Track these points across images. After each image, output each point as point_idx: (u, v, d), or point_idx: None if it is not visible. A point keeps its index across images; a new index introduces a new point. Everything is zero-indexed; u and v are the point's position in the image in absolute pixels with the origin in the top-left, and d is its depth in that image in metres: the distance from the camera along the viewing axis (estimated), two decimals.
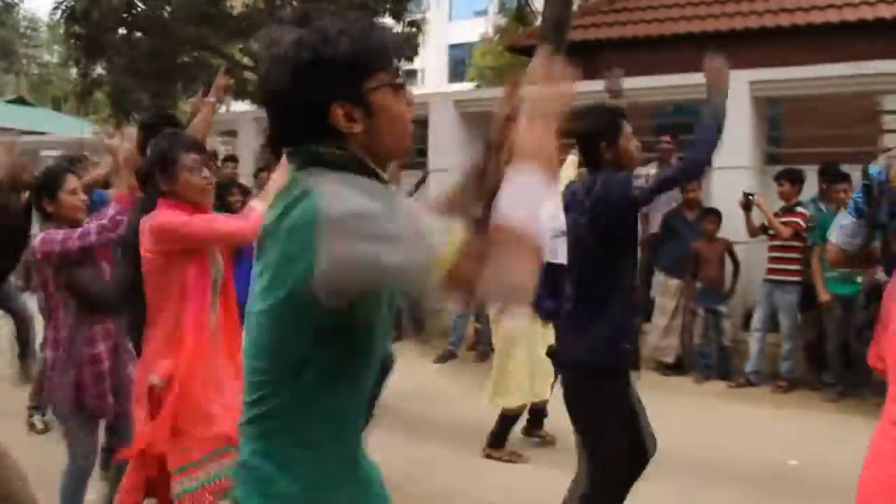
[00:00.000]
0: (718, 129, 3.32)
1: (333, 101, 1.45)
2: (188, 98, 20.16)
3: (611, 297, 3.18)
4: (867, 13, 9.87)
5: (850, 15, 9.95)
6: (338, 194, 1.36)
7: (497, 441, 5.17)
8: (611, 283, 3.19)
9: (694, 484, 4.70)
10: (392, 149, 1.53)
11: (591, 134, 3.26)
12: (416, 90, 39.44)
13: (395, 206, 1.35)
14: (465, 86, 30.31)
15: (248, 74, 17.34)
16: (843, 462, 5.01)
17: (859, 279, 6.67)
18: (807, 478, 4.91)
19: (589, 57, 10.61)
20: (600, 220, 3.16)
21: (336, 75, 1.43)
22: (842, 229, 3.14)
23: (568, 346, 3.36)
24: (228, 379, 2.95)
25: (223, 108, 19.57)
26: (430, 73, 39.44)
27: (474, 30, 34.58)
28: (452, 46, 40.05)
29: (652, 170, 3.54)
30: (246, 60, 17.00)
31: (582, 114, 3.29)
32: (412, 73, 38.34)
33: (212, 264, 2.96)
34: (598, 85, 8.67)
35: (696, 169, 3.44)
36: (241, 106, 19.28)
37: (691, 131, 9.48)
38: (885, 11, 9.78)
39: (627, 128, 3.28)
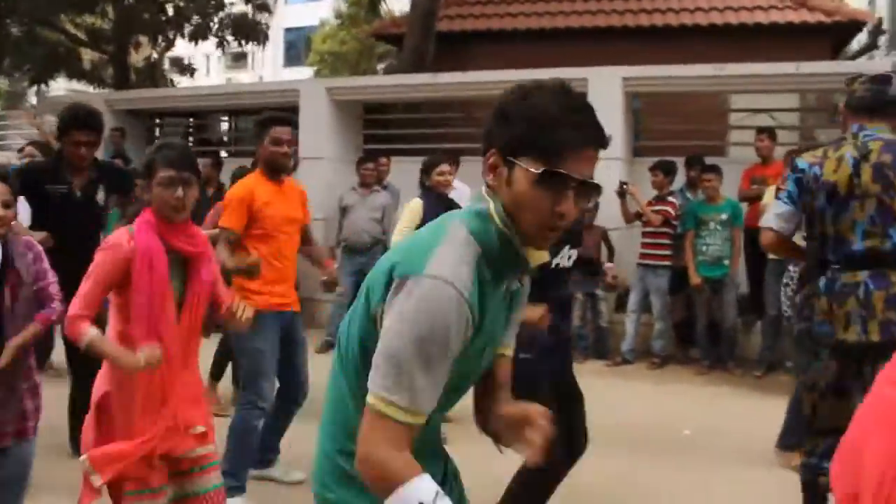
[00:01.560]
0: None
1: (494, 146, 1.55)
2: (18, 76, 18.65)
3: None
4: (716, 18, 10.68)
5: (705, 19, 10.71)
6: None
7: None
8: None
9: (594, 457, 4.95)
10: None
11: None
12: (244, 75, 38.49)
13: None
14: (304, 71, 29.76)
15: (85, 52, 16.28)
16: (730, 427, 5.54)
17: (726, 262, 7.27)
18: (703, 444, 5.30)
19: (457, 48, 10.79)
20: None
21: (507, 128, 1.52)
22: (779, 217, 3.47)
23: None
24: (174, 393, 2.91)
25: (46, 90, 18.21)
26: (263, 57, 38.42)
27: (312, 13, 34.02)
28: (288, 30, 39.30)
29: None
30: (81, 35, 15.93)
31: None
32: (242, 57, 37.29)
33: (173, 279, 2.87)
34: (466, 77, 8.98)
35: None
36: (77, 86, 18.07)
37: None
38: (731, 17, 10.62)
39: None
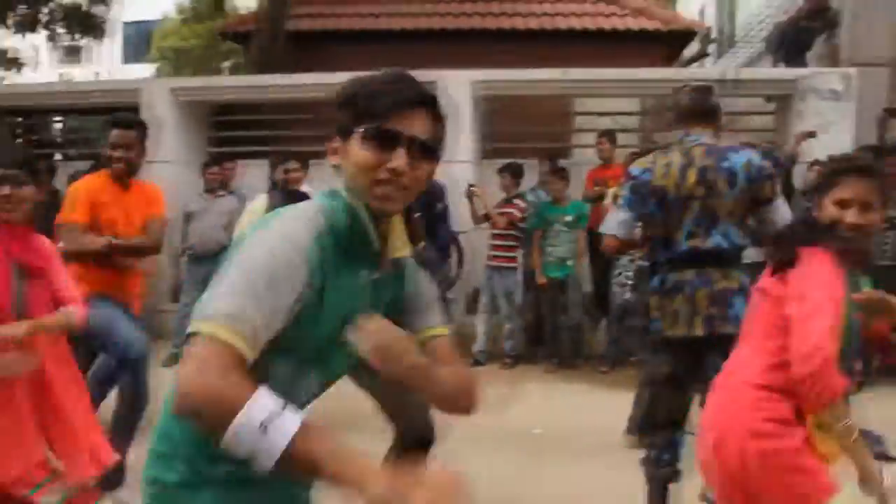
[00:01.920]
0: None
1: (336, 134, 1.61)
2: None
3: None
4: (561, 23, 11.00)
5: (551, 24, 11.00)
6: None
7: None
8: None
9: (454, 456, 4.99)
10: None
11: None
12: (79, 70, 36.40)
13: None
14: (145, 67, 28.53)
15: None
16: (580, 423, 5.71)
17: (570, 262, 7.51)
18: (554, 441, 5.43)
19: (308, 48, 10.60)
20: None
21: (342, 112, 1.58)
22: (619, 224, 3.63)
23: None
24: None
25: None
26: (101, 51, 36.50)
27: (153, 7, 32.61)
28: (128, 24, 37.51)
29: None
30: None
31: None
32: (76, 51, 35.38)
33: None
34: (318, 78, 8.84)
35: None
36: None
37: None
38: (574, 23, 10.97)
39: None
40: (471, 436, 5.39)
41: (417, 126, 1.54)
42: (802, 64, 8.79)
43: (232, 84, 9.70)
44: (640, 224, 3.63)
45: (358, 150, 1.53)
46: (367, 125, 1.51)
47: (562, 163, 8.17)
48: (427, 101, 1.57)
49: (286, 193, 5.16)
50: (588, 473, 4.78)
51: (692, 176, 3.42)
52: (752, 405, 2.25)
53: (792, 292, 2.24)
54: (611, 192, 7.00)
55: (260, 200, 5.17)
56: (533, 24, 10.96)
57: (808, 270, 2.23)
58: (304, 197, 5.39)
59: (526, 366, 7.77)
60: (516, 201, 7.71)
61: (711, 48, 15.43)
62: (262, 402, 1.27)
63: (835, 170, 2.39)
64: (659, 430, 3.59)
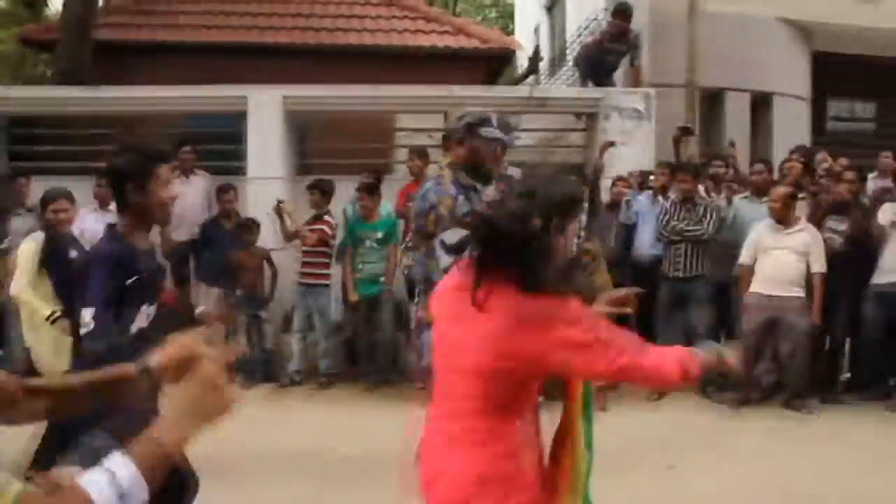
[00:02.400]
0: None
1: None
2: None
3: None
4: (381, 40, 11.02)
5: (370, 40, 11.00)
6: None
7: None
8: None
9: (256, 486, 4.84)
10: None
11: (115, 172, 3.02)
12: None
13: None
14: None
15: None
16: (392, 442, 5.63)
17: (382, 279, 7.48)
18: (359, 462, 5.34)
19: (116, 60, 10.13)
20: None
21: None
22: None
23: None
24: None
25: None
26: None
27: None
28: None
29: None
30: None
31: (118, 149, 3.11)
32: None
33: None
34: (125, 91, 8.46)
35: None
36: None
37: (212, 141, 9.51)
38: (395, 39, 11.02)
39: (164, 173, 3.03)
40: (271, 457, 5.30)
41: None
42: (610, 84, 9.17)
43: (32, 95, 9.10)
44: None
45: None
46: None
47: (385, 179, 8.13)
48: None
49: (50, 239, 4.83)
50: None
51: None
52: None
53: None
54: None
55: (28, 244, 4.83)
56: (354, 40, 10.92)
57: None
58: (73, 241, 5.07)
59: (343, 384, 7.66)
60: (327, 218, 7.61)
61: (542, 66, 15.89)
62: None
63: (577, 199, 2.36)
64: None
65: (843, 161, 7.72)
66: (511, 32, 24.25)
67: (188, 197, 8.11)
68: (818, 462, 5.31)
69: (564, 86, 10.90)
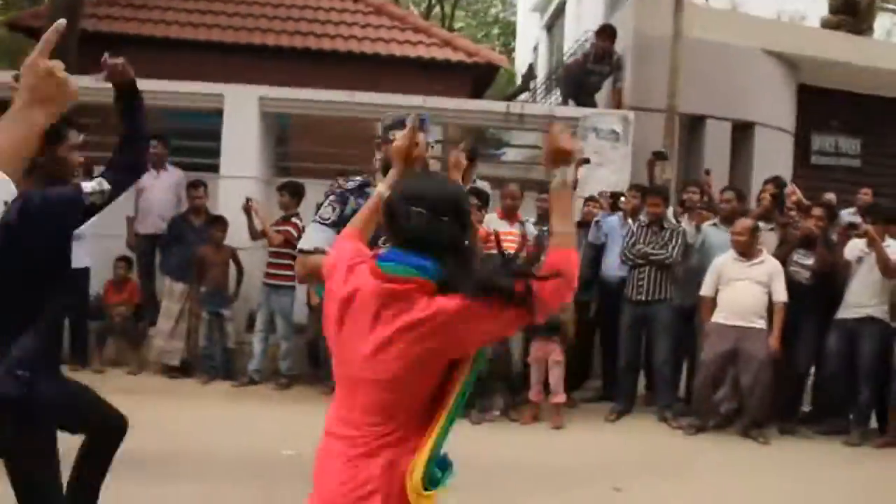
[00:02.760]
0: None
1: None
2: None
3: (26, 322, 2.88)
4: (367, 48, 11.02)
5: (354, 47, 11.00)
6: None
7: None
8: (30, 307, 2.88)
9: (206, 483, 4.78)
10: None
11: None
12: None
13: None
14: None
15: None
16: None
17: None
18: (301, 465, 5.26)
19: (102, 51, 10.09)
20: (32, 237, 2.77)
21: None
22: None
23: None
24: None
25: None
26: None
27: None
28: None
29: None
30: None
31: None
32: None
33: None
34: (105, 82, 8.41)
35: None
36: None
37: (195, 137, 9.47)
38: (381, 48, 11.03)
39: (73, 137, 3.10)
40: (225, 454, 5.24)
41: None
42: (592, 105, 9.16)
43: (6, 81, 9.02)
44: None
45: None
46: None
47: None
48: None
49: None
50: None
51: None
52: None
53: None
54: None
55: None
56: (341, 46, 10.92)
57: None
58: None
59: (303, 386, 7.60)
60: (294, 220, 7.57)
61: (536, 84, 15.91)
62: None
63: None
64: None
65: (830, 196, 7.75)
66: (512, 50, 24.37)
67: (156, 191, 8.10)
68: (769, 495, 5.26)
69: (556, 104, 10.87)
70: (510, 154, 13.78)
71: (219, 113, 8.36)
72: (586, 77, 9.15)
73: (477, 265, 2.04)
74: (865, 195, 8.46)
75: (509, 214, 7.12)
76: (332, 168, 8.30)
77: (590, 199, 7.88)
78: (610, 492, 5.09)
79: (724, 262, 6.69)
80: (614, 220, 7.59)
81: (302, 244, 3.23)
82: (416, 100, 8.27)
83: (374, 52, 10.78)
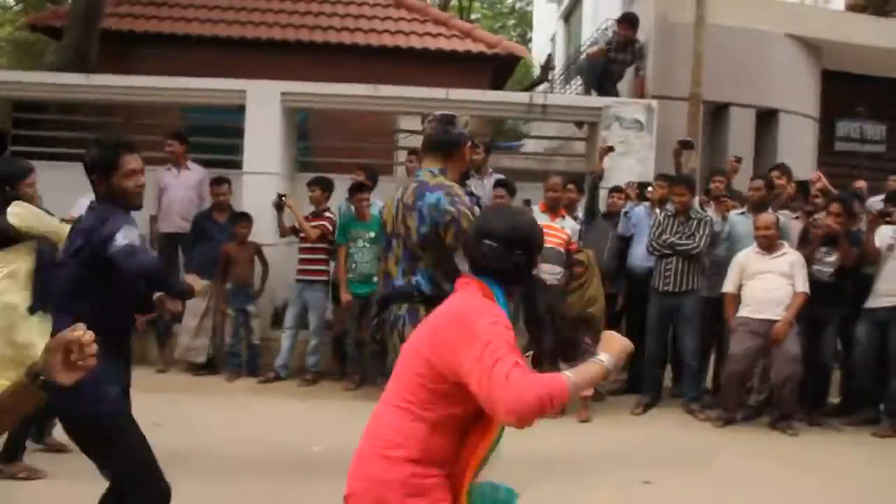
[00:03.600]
0: None
1: None
2: None
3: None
4: (387, 41, 11.00)
5: (374, 41, 10.99)
6: None
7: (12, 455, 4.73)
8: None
9: (232, 479, 4.81)
10: None
11: (87, 165, 3.08)
12: None
13: None
14: None
15: None
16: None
17: (375, 279, 7.40)
18: (332, 461, 5.27)
19: (121, 49, 10.17)
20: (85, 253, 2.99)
21: None
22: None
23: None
24: None
25: None
26: None
27: None
28: None
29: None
30: None
31: (91, 142, 3.20)
32: None
33: None
34: (125, 80, 8.47)
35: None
36: None
37: (218, 133, 9.54)
38: (401, 41, 11.00)
39: (129, 163, 3.06)
40: (243, 455, 5.26)
41: None
42: (614, 94, 9.10)
43: (36, 81, 9.08)
44: None
45: None
46: None
47: (384, 180, 8.10)
48: None
49: None
50: None
51: (400, 213, 3.37)
52: (402, 482, 2.15)
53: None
54: None
55: None
56: (360, 39, 10.90)
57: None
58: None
59: (329, 382, 7.63)
60: (328, 214, 7.58)
61: (554, 75, 15.83)
62: None
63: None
64: None
65: (861, 184, 7.66)
66: (529, 41, 24.24)
67: (177, 189, 8.14)
68: (798, 487, 5.21)
69: (577, 94, 10.80)
70: (529, 145, 13.75)
71: (241, 109, 8.38)
72: (608, 66, 9.09)
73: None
74: (894, 182, 8.34)
75: (552, 208, 6.96)
76: (353, 163, 8.31)
77: (615, 189, 7.83)
78: (639, 485, 5.06)
79: (747, 257, 6.63)
80: (641, 210, 7.54)
81: None
82: (439, 92, 8.25)
83: (395, 45, 10.75)
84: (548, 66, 15.83)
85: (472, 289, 2.27)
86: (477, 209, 3.36)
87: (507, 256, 2.25)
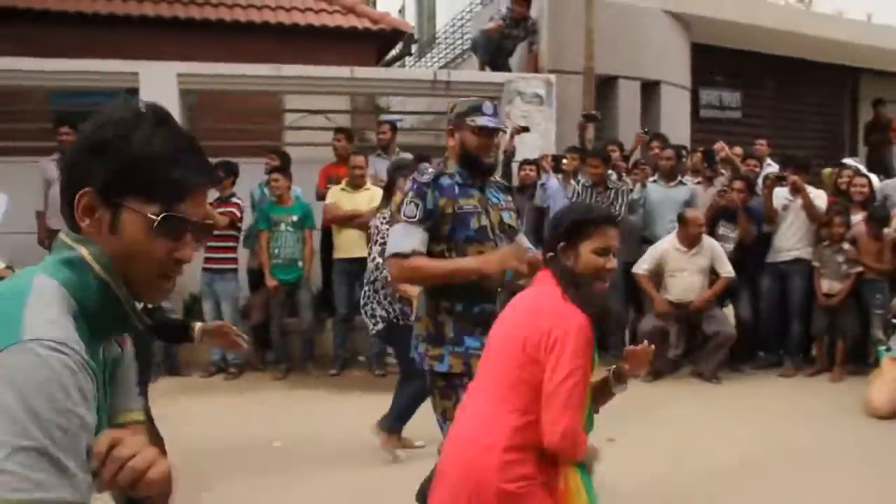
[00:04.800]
0: None
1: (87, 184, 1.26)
2: None
3: None
4: (269, 17, 10.61)
5: (256, 17, 10.56)
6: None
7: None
8: None
9: (204, 483, 4.60)
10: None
11: None
12: None
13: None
14: None
15: None
16: (318, 431, 5.50)
17: (300, 263, 7.23)
18: (296, 454, 5.17)
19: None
20: None
21: (108, 164, 1.26)
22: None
23: None
24: None
25: None
26: None
27: None
28: None
29: None
30: None
31: None
32: None
33: None
34: (5, 63, 7.71)
35: None
36: None
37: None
38: (283, 17, 10.65)
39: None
40: (208, 452, 5.03)
41: (204, 207, 1.35)
42: (506, 68, 9.29)
43: None
44: None
45: (142, 235, 1.27)
46: (161, 209, 1.27)
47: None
48: (217, 181, 1.35)
49: None
50: (339, 482, 4.61)
51: None
52: (500, 467, 2.23)
53: (544, 354, 2.27)
54: (333, 189, 7.04)
55: None
56: (240, 15, 10.47)
57: (564, 336, 2.27)
58: None
59: (253, 373, 7.39)
60: (235, 200, 7.28)
61: (414, 49, 15.83)
62: None
63: (588, 220, 2.44)
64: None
65: (738, 149, 8.27)
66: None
67: None
68: (741, 429, 5.65)
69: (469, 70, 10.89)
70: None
71: (130, 92, 7.86)
72: (502, 41, 9.27)
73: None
74: (761, 146, 9.06)
75: None
76: (239, 146, 8.00)
77: (525, 162, 8.03)
78: (605, 443, 5.29)
79: (667, 253, 7.06)
80: (555, 182, 7.79)
81: (398, 248, 3.10)
82: (343, 71, 8.12)
83: (278, 22, 10.41)
84: (411, 39, 15.81)
85: (551, 282, 2.42)
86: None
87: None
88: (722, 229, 7.29)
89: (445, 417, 3.04)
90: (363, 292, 5.32)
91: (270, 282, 7.20)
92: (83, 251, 1.26)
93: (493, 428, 2.28)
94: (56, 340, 1.12)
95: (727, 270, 6.98)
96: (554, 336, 2.25)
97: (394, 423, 4.95)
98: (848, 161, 9.08)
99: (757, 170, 7.95)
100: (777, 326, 7.34)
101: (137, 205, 1.26)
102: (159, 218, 1.26)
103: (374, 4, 23.83)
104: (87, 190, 1.25)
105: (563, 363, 2.22)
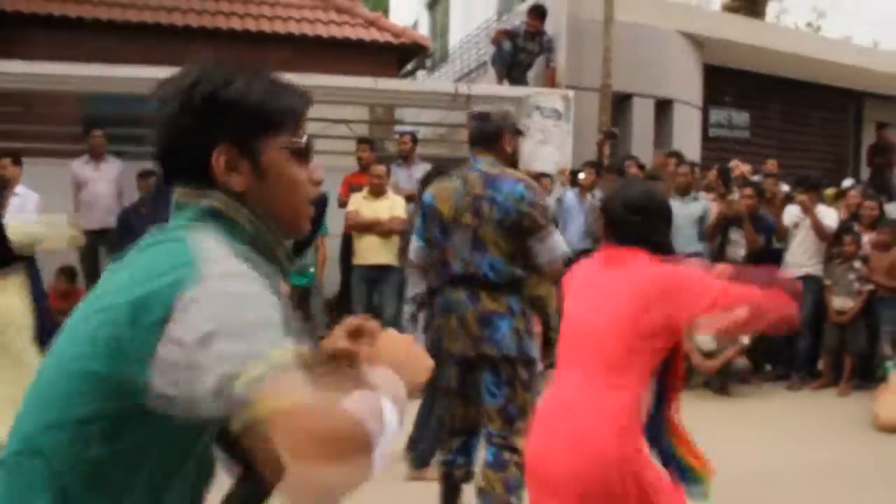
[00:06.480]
0: None
1: (218, 142, 1.28)
2: None
3: None
4: (293, 29, 10.84)
5: (280, 28, 10.85)
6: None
7: None
8: None
9: None
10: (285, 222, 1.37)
11: None
12: None
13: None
14: None
15: None
16: None
17: (312, 269, 7.41)
18: None
19: (14, 33, 9.47)
20: None
21: (230, 118, 1.28)
22: (414, 251, 3.74)
23: None
24: None
25: None
26: None
27: None
28: None
29: None
30: None
31: None
32: None
33: None
34: (28, 67, 7.92)
35: None
36: None
37: (122, 123, 9.19)
38: (307, 29, 10.89)
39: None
40: None
41: (304, 129, 1.39)
42: (523, 82, 9.50)
43: None
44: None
45: (287, 166, 1.32)
46: (291, 138, 1.32)
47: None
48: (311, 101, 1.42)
49: None
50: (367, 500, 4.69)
51: (466, 203, 3.52)
52: (619, 434, 2.38)
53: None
54: (355, 196, 7.23)
55: None
56: (266, 27, 10.70)
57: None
58: None
59: None
60: None
61: (427, 62, 16.06)
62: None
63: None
64: (454, 437, 3.70)
65: (747, 168, 8.48)
66: None
67: (99, 184, 7.80)
68: (750, 440, 5.80)
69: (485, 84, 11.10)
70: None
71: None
72: (517, 55, 9.48)
73: None
74: (772, 166, 9.27)
75: None
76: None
77: (541, 175, 8.22)
78: None
79: None
80: (571, 195, 7.99)
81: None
82: (367, 82, 8.32)
83: (301, 34, 10.63)
84: (425, 52, 16.06)
85: (645, 257, 2.57)
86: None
87: (656, 228, 2.65)
88: (734, 236, 7.45)
89: (524, 413, 3.31)
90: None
91: (283, 287, 7.34)
92: (218, 203, 1.29)
93: (606, 402, 2.40)
94: (233, 271, 1.18)
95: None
96: (671, 275, 2.49)
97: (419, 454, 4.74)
98: (846, 183, 9.34)
99: (774, 188, 8.14)
100: (785, 340, 7.51)
101: (272, 142, 1.31)
102: (296, 145, 1.32)
103: (388, 17, 24.22)
104: (223, 147, 1.28)
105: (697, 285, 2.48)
